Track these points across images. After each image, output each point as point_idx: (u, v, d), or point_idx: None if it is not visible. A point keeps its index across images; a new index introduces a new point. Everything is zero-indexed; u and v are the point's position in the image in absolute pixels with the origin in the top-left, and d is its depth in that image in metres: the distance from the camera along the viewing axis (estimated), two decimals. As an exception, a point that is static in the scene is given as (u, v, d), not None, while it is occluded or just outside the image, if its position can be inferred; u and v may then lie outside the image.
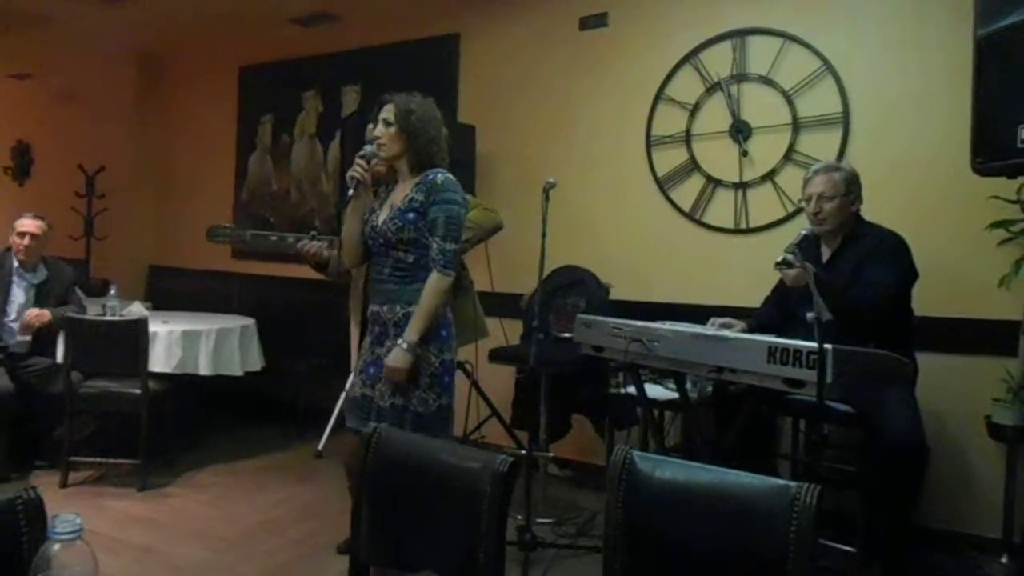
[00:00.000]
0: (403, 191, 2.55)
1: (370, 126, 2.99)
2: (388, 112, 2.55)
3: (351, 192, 2.55)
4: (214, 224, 2.92)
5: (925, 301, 3.00)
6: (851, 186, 2.97)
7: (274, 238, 3.00)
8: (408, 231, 2.47)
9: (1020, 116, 1.99)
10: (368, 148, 2.56)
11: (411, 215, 2.47)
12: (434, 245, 2.46)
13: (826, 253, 3.04)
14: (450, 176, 2.54)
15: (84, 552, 0.94)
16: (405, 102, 2.54)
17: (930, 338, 3.12)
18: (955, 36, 3.21)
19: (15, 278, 4.24)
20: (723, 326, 3.01)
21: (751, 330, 2.99)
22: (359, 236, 2.62)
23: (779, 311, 3.18)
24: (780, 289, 3.22)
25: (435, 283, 2.45)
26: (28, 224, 4.22)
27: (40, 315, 4.16)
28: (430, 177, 2.51)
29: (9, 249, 4.26)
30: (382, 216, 2.54)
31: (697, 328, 2.81)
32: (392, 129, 2.52)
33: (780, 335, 2.64)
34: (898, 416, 2.66)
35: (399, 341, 2.43)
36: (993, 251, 3.21)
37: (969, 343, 3.33)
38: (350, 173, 2.54)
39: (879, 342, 2.61)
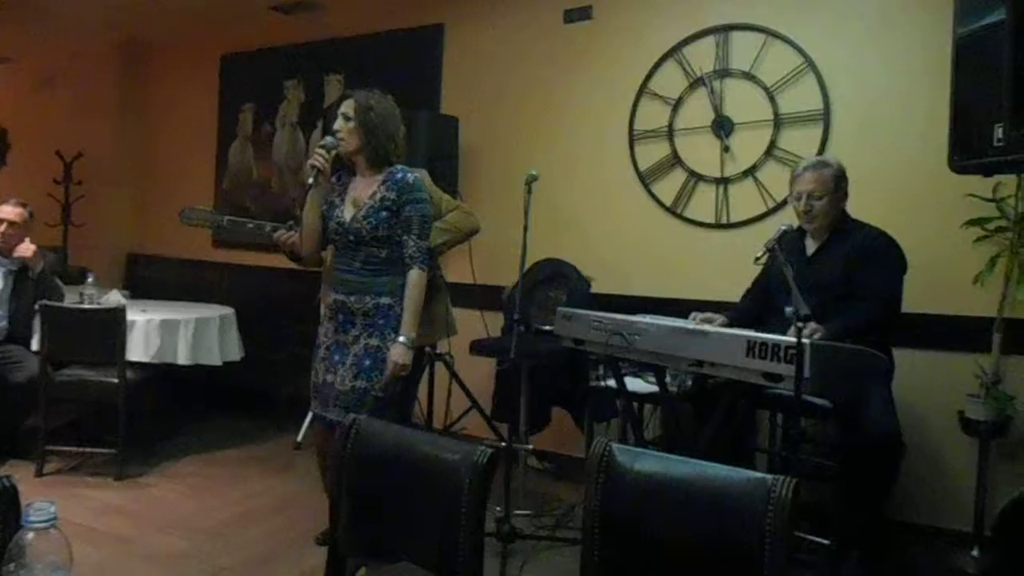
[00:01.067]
0: (367, 187, 2.64)
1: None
2: (348, 107, 2.64)
3: (311, 181, 2.61)
4: (188, 206, 2.89)
5: (903, 296, 3.03)
6: (840, 182, 2.99)
7: (251, 225, 3.00)
8: (382, 229, 2.59)
9: (996, 115, 2.01)
10: (329, 139, 2.66)
11: (384, 214, 2.59)
12: (411, 243, 2.59)
13: (811, 247, 3.06)
14: (417, 174, 2.68)
15: (58, 540, 0.93)
16: (364, 98, 2.64)
17: (906, 333, 3.15)
18: (936, 34, 3.24)
19: None
20: (704, 321, 3.03)
21: (731, 324, 3.02)
22: (319, 225, 2.70)
23: (758, 305, 3.20)
24: (760, 283, 3.24)
25: (417, 279, 2.61)
26: (8, 211, 4.16)
27: (30, 247, 4.14)
28: (399, 176, 2.62)
29: None
30: (348, 213, 2.62)
31: (677, 322, 2.82)
32: (351, 124, 2.62)
33: (759, 329, 2.67)
34: (875, 411, 2.70)
35: (399, 338, 2.58)
36: (969, 248, 3.25)
37: (944, 339, 3.37)
38: (310, 162, 2.62)
39: (857, 337, 2.64)
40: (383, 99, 2.69)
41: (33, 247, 4.17)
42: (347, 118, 2.63)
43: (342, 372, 2.62)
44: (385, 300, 2.62)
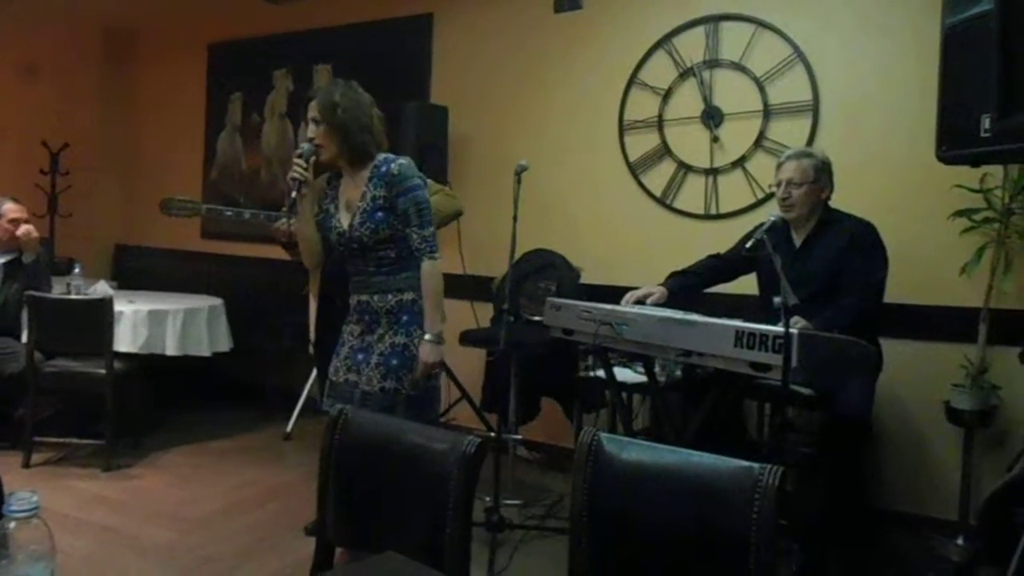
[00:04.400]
0: (356, 188, 2.48)
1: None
2: (313, 110, 2.47)
3: (295, 194, 2.44)
4: (169, 196, 2.83)
5: (889, 288, 3.04)
6: (820, 173, 3.00)
7: (229, 213, 2.95)
8: (383, 230, 2.44)
9: (984, 106, 2.01)
10: (305, 147, 2.47)
11: (380, 214, 2.43)
12: (414, 235, 2.44)
13: (797, 239, 3.07)
14: (403, 161, 2.47)
15: (41, 530, 0.93)
16: (327, 96, 2.46)
17: (893, 324, 3.18)
18: (926, 25, 3.24)
19: None
20: (637, 301, 3.05)
21: (671, 293, 3.11)
22: (316, 236, 2.56)
23: (714, 269, 3.27)
24: (730, 256, 3.24)
25: (430, 269, 2.47)
26: (14, 209, 4.19)
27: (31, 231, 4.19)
28: (383, 169, 2.45)
29: None
30: (345, 220, 2.48)
31: (666, 312, 2.82)
32: (322, 127, 2.45)
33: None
34: (849, 394, 2.72)
35: (424, 335, 2.46)
36: (956, 240, 3.26)
37: (930, 330, 3.39)
38: (291, 175, 2.44)
39: (844, 330, 2.65)
40: (348, 90, 2.49)
41: (35, 233, 4.20)
42: (316, 122, 2.46)
43: (367, 372, 2.48)
44: (408, 296, 2.49)
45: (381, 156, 2.48)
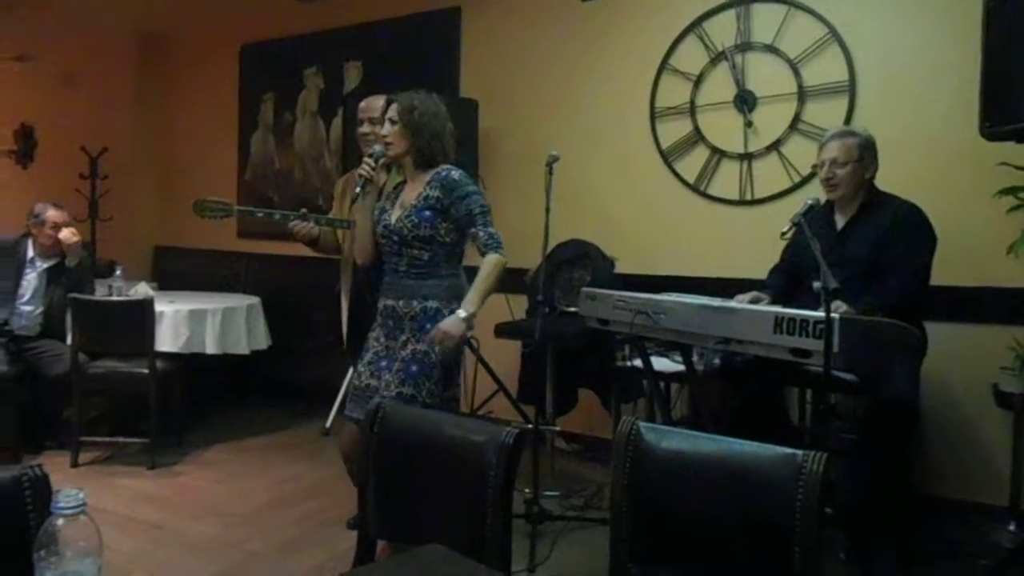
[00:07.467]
0: (415, 190, 2.57)
1: (362, 104, 3.03)
2: (392, 111, 2.58)
3: (358, 190, 2.60)
4: (201, 198, 2.89)
5: (933, 269, 2.97)
6: (865, 152, 2.93)
7: (260, 214, 3.01)
8: (424, 228, 2.50)
9: (1030, 79, 1.96)
10: (377, 148, 2.62)
11: (427, 212, 2.50)
12: (481, 233, 2.52)
13: (840, 221, 3.01)
14: (462, 171, 2.59)
15: (88, 527, 0.94)
16: (408, 99, 2.57)
17: (938, 306, 3.10)
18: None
19: (29, 265, 4.26)
20: (752, 302, 2.96)
21: (773, 303, 2.97)
22: (371, 234, 2.66)
23: (787, 280, 3.16)
24: (787, 259, 3.19)
25: (494, 261, 2.52)
26: (56, 215, 4.24)
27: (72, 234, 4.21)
28: (443, 174, 2.55)
29: (25, 235, 4.28)
30: (395, 215, 2.57)
31: (703, 299, 2.79)
32: (396, 127, 2.56)
33: (788, 305, 2.63)
34: (896, 379, 2.66)
35: (459, 311, 2.47)
36: (1002, 218, 3.17)
37: (977, 311, 3.31)
38: (358, 171, 2.61)
39: (889, 312, 2.59)
40: (427, 98, 2.59)
41: (76, 238, 4.25)
42: (392, 122, 2.56)
43: (387, 377, 2.51)
44: (432, 304, 2.51)
45: (445, 166, 2.58)
